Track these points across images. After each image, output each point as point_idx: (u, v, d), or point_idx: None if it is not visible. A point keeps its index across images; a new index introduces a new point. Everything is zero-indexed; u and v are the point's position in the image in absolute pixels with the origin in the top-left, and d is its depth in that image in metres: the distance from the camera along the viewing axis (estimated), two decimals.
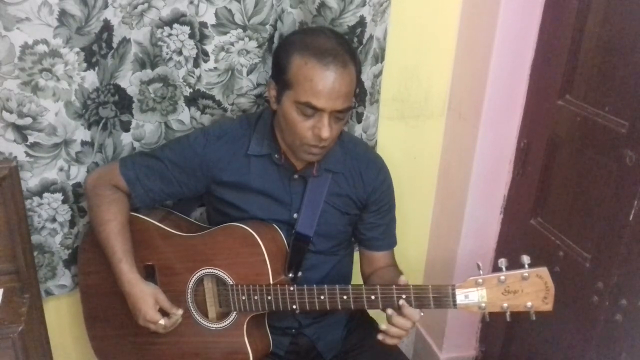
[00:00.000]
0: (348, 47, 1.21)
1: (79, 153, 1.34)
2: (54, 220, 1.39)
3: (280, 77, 1.19)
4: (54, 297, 1.50)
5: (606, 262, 1.27)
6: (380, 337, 1.16)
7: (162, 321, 1.25)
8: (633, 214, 1.18)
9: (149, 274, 1.32)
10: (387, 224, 1.39)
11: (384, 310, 1.18)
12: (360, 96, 1.51)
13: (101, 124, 1.38)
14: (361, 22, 1.38)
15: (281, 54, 1.21)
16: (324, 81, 1.13)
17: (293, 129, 1.18)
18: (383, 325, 1.15)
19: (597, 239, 1.31)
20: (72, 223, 1.42)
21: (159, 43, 1.35)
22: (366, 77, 1.49)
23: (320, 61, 1.13)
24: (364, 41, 1.42)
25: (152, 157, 1.32)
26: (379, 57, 1.50)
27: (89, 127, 1.34)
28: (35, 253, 1.38)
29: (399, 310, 1.14)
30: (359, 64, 1.24)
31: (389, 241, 1.40)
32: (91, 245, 1.35)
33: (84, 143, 1.34)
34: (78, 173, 1.37)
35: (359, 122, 1.55)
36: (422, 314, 1.14)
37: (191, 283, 1.29)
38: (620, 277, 1.24)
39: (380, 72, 1.53)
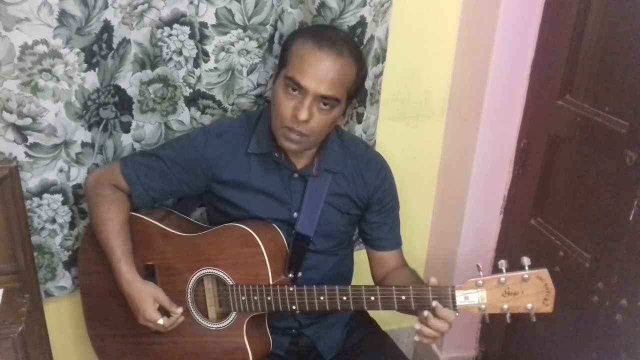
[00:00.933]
0: (353, 44, 1.22)
1: (79, 154, 1.34)
2: (53, 221, 1.39)
3: (281, 59, 1.22)
4: (54, 297, 1.50)
5: (606, 262, 1.27)
6: (417, 338, 1.14)
7: (161, 320, 1.25)
8: (633, 214, 1.19)
9: (149, 273, 1.31)
10: (392, 223, 1.39)
11: (388, 309, 1.18)
12: (360, 96, 1.51)
13: (102, 125, 1.38)
14: (361, 23, 1.38)
15: (288, 39, 1.24)
16: (313, 61, 1.14)
17: (277, 109, 1.19)
18: (417, 325, 1.13)
19: (597, 239, 1.31)
20: (72, 225, 1.42)
21: (159, 43, 1.34)
22: (367, 77, 1.48)
23: (316, 43, 1.15)
24: (365, 41, 1.42)
25: (152, 156, 1.32)
26: (380, 58, 1.50)
27: (90, 128, 1.34)
28: (34, 254, 1.38)
29: (433, 312, 1.12)
30: (362, 64, 1.23)
31: (395, 240, 1.40)
32: (91, 245, 1.35)
33: (84, 144, 1.34)
34: (78, 174, 1.36)
35: (359, 122, 1.55)
36: (457, 314, 1.12)
37: (191, 283, 1.29)
38: (620, 277, 1.24)
39: (381, 73, 1.53)
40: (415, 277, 1.31)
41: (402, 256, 1.41)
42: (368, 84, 1.50)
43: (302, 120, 1.15)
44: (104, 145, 1.40)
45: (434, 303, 1.11)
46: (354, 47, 1.23)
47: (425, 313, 1.11)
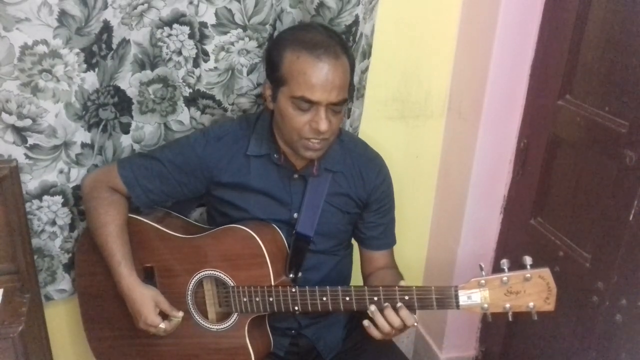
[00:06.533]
0: (339, 40, 1.21)
1: (79, 155, 1.34)
2: (53, 223, 1.38)
3: (274, 74, 1.19)
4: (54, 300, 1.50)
5: (606, 262, 1.27)
6: (365, 323, 1.16)
7: (162, 325, 1.25)
8: (633, 214, 1.18)
9: (148, 275, 1.31)
10: (387, 224, 1.39)
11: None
12: (349, 92, 1.51)
13: (101, 126, 1.38)
14: (356, 21, 1.38)
15: (273, 51, 1.21)
16: (317, 73, 1.13)
17: (290, 125, 1.18)
18: (366, 322, 1.15)
19: (597, 239, 1.31)
20: (72, 226, 1.42)
21: (159, 43, 1.34)
22: (355, 74, 1.49)
23: (312, 53, 1.14)
24: (357, 39, 1.42)
25: (151, 158, 1.31)
26: (367, 54, 1.50)
27: (89, 129, 1.34)
28: (34, 257, 1.37)
29: (395, 309, 1.14)
30: (352, 57, 1.23)
31: (388, 240, 1.40)
32: (88, 246, 1.35)
33: (84, 145, 1.34)
34: (78, 175, 1.36)
35: (348, 117, 1.55)
36: (416, 323, 1.14)
37: (191, 285, 1.29)
38: (620, 277, 1.24)
39: (367, 68, 1.52)
40: (398, 279, 1.31)
41: (392, 256, 1.42)
42: (355, 79, 1.50)
43: (324, 131, 1.16)
44: (103, 146, 1.40)
45: (399, 304, 1.13)
46: (340, 40, 1.21)
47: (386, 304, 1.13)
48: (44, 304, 1.43)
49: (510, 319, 1.10)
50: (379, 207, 1.36)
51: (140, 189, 1.30)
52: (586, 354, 1.35)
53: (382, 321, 1.14)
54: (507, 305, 1.09)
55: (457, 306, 1.11)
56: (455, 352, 1.86)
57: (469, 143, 1.61)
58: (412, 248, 1.86)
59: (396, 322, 1.13)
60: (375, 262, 1.39)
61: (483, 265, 1.11)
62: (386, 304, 1.14)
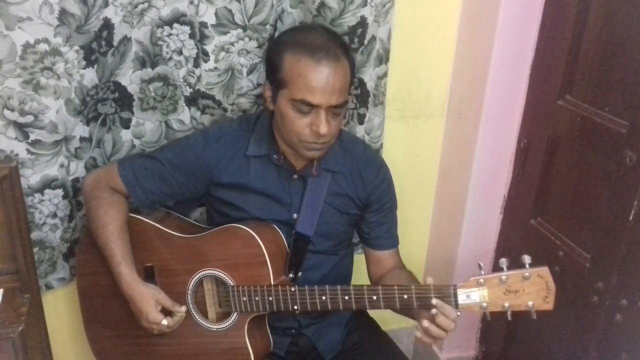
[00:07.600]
0: (340, 42, 1.21)
1: (78, 149, 1.35)
2: (54, 215, 1.39)
3: (274, 76, 1.19)
4: (54, 297, 1.49)
5: (606, 262, 1.27)
6: (422, 337, 1.13)
7: (164, 321, 1.25)
8: (633, 214, 1.19)
9: (148, 275, 1.31)
10: (390, 222, 1.39)
11: (389, 308, 1.18)
12: (362, 97, 1.51)
13: (99, 120, 1.38)
14: (362, 23, 1.38)
15: (273, 53, 1.21)
16: (317, 77, 1.13)
17: (290, 127, 1.19)
18: (425, 322, 1.10)
19: (597, 239, 1.31)
20: (71, 217, 1.42)
21: (159, 42, 1.35)
22: (369, 79, 1.48)
23: (313, 57, 1.14)
24: (366, 42, 1.42)
25: (150, 158, 1.32)
26: (383, 59, 1.49)
27: (87, 123, 1.35)
28: (36, 249, 1.38)
29: (435, 309, 1.11)
30: (352, 59, 1.23)
31: (393, 240, 1.40)
32: (89, 246, 1.35)
33: (82, 139, 1.34)
34: (77, 168, 1.37)
35: (361, 123, 1.55)
36: (458, 313, 1.11)
37: (191, 284, 1.29)
38: (620, 277, 1.24)
39: (385, 74, 1.52)
40: (412, 279, 1.31)
41: (399, 256, 1.41)
42: (370, 85, 1.50)
43: (324, 134, 1.16)
44: (102, 140, 1.41)
45: (435, 301, 1.11)
46: (341, 42, 1.21)
47: (433, 311, 1.11)
48: (43, 296, 1.42)
49: (509, 318, 1.10)
50: (380, 206, 1.36)
51: (140, 190, 1.30)
52: (586, 354, 1.35)
53: (434, 329, 1.11)
54: (506, 304, 1.09)
55: (456, 305, 1.11)
56: (455, 352, 1.85)
57: (469, 143, 1.61)
58: (412, 248, 1.86)
59: (450, 325, 1.10)
60: (385, 263, 1.39)
61: (482, 265, 1.11)
62: (434, 310, 1.10)
